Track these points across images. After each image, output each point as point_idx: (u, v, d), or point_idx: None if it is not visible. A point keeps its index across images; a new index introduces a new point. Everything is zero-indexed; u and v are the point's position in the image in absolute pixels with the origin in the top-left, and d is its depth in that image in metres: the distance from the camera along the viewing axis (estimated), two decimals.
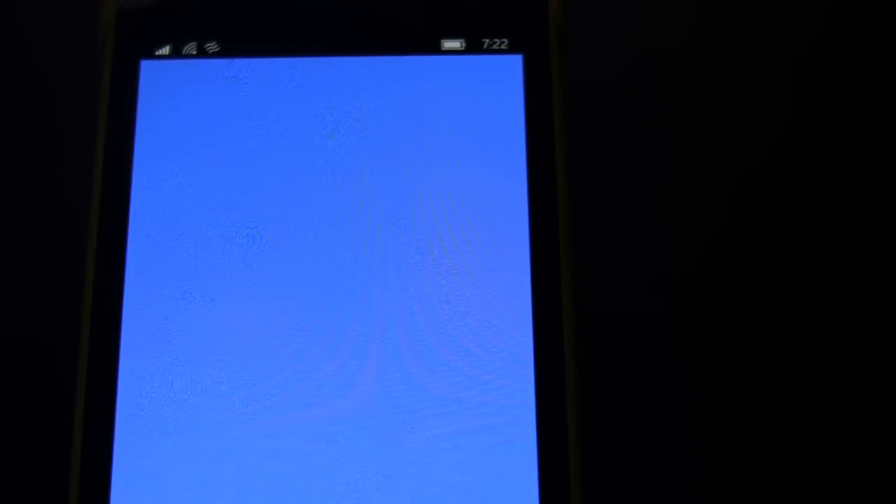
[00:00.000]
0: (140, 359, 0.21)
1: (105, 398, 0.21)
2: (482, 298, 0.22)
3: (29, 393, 0.26)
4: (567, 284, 0.22)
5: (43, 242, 0.27)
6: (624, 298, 0.26)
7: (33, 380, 0.26)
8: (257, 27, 0.23)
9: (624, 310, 0.26)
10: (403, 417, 0.21)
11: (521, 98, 0.23)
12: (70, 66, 0.28)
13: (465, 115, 0.23)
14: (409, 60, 0.23)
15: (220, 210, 0.22)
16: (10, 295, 0.26)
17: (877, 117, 0.28)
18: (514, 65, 0.23)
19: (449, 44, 0.23)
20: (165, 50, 0.23)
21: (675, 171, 0.27)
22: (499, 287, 0.22)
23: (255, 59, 0.23)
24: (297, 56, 0.23)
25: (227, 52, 0.23)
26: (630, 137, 0.27)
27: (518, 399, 0.21)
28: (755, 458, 0.25)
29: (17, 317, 0.26)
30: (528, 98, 0.23)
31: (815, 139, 0.27)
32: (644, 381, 0.26)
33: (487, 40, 0.23)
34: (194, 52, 0.23)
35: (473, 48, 0.23)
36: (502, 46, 0.23)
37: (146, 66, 0.23)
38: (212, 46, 0.23)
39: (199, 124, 0.23)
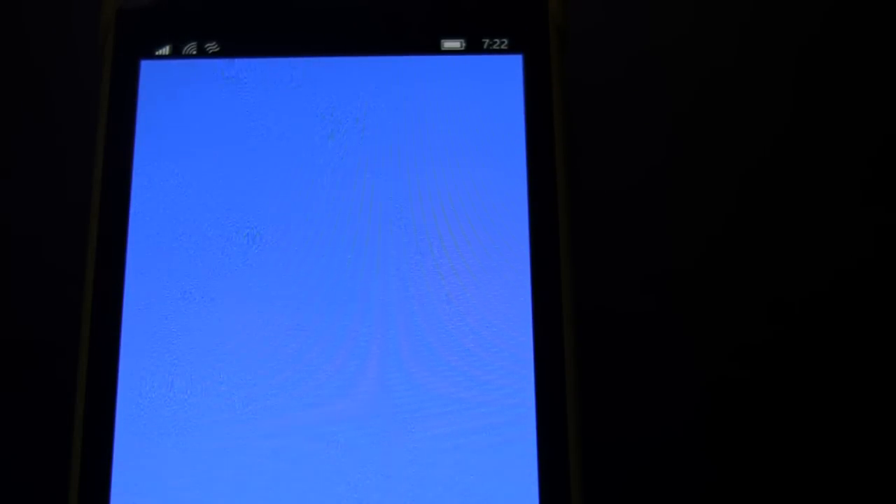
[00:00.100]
0: (140, 359, 0.21)
1: (105, 398, 0.21)
2: (482, 298, 0.22)
3: (29, 393, 0.26)
4: (567, 284, 0.22)
5: (43, 242, 0.27)
6: (624, 298, 0.26)
7: (33, 380, 0.26)
8: (257, 27, 0.23)
9: (624, 310, 0.26)
10: (403, 417, 0.21)
11: (521, 98, 0.23)
12: (70, 66, 0.28)
13: (465, 115, 0.23)
14: (409, 60, 0.23)
15: (220, 210, 0.22)
16: (10, 295, 0.26)
17: (877, 117, 0.28)
18: (514, 65, 0.23)
19: (449, 44, 0.23)
20: (165, 50, 0.23)
21: (676, 170, 0.27)
22: (499, 287, 0.22)
23: (255, 59, 0.23)
24: (297, 56, 0.23)
25: (227, 52, 0.23)
26: (630, 137, 0.27)
27: (518, 399, 0.21)
28: (755, 459, 0.25)
29: (18, 317, 0.26)
30: (528, 98, 0.23)
31: (815, 139, 0.27)
32: (644, 380, 0.26)
33: (487, 40, 0.23)
34: (194, 52, 0.23)
35: (473, 48, 0.23)
36: (502, 46, 0.23)
37: (146, 66, 0.23)
38: (212, 46, 0.23)
39: (199, 124, 0.23)
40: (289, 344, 0.21)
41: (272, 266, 0.22)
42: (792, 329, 0.26)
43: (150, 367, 0.21)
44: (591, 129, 0.27)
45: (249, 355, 0.21)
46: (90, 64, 0.26)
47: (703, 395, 0.26)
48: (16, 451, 0.25)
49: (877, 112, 0.28)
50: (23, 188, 0.27)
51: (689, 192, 0.27)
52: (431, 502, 0.21)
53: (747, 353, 0.26)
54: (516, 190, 0.22)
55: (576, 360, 0.21)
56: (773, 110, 0.28)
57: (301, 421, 0.21)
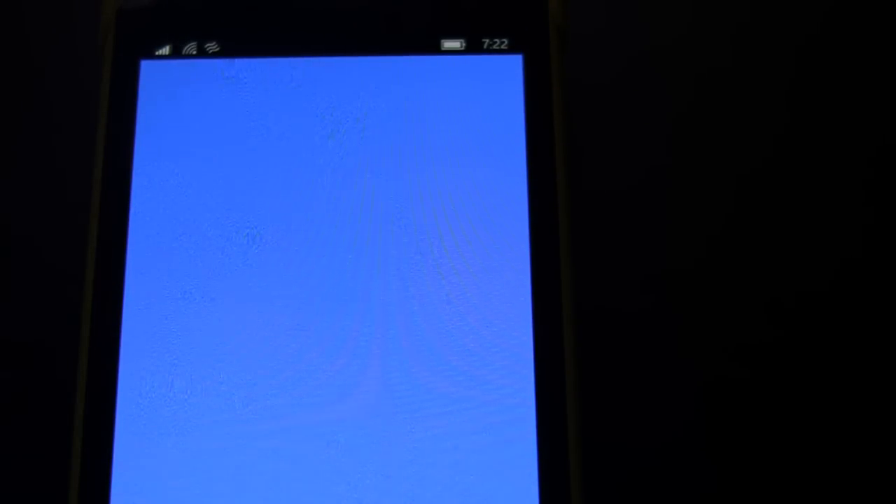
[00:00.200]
0: (140, 359, 0.21)
1: (105, 398, 0.21)
2: (483, 298, 0.22)
3: (29, 393, 0.26)
4: (567, 284, 0.22)
5: (43, 242, 0.27)
6: (624, 298, 0.26)
7: (33, 380, 0.26)
8: (257, 27, 0.23)
9: (624, 309, 0.26)
10: (403, 417, 0.21)
11: (521, 98, 0.23)
12: (70, 66, 0.28)
13: (466, 115, 0.23)
14: (409, 60, 0.23)
15: (220, 210, 0.22)
16: (10, 295, 0.26)
17: (876, 117, 0.28)
18: (514, 65, 0.23)
19: (449, 44, 0.23)
20: (165, 50, 0.23)
21: (676, 170, 0.27)
22: (499, 287, 0.22)
23: (255, 59, 0.23)
24: (297, 56, 0.23)
25: (227, 52, 0.23)
26: (630, 137, 0.27)
27: (518, 399, 0.21)
28: (755, 459, 0.25)
29: (17, 317, 0.26)
30: (528, 98, 0.23)
31: (814, 139, 0.27)
32: (644, 380, 0.26)
33: (487, 40, 0.23)
34: (194, 52, 0.23)
35: (473, 48, 0.23)
36: (502, 46, 0.23)
37: (146, 66, 0.23)
38: (212, 46, 0.23)
39: (199, 124, 0.23)
40: (289, 344, 0.21)
41: (272, 266, 0.22)
42: (791, 329, 0.26)
43: (150, 367, 0.21)
44: (591, 129, 0.27)
45: (249, 355, 0.21)
46: (90, 64, 0.26)
47: (703, 394, 0.26)
48: (16, 451, 0.25)
49: (876, 112, 0.28)
50: (23, 188, 0.27)
51: (688, 192, 0.27)
52: (431, 502, 0.21)
53: (747, 353, 0.26)
54: (516, 190, 0.22)
55: (576, 360, 0.21)
56: (772, 110, 0.28)
57: (301, 421, 0.21)
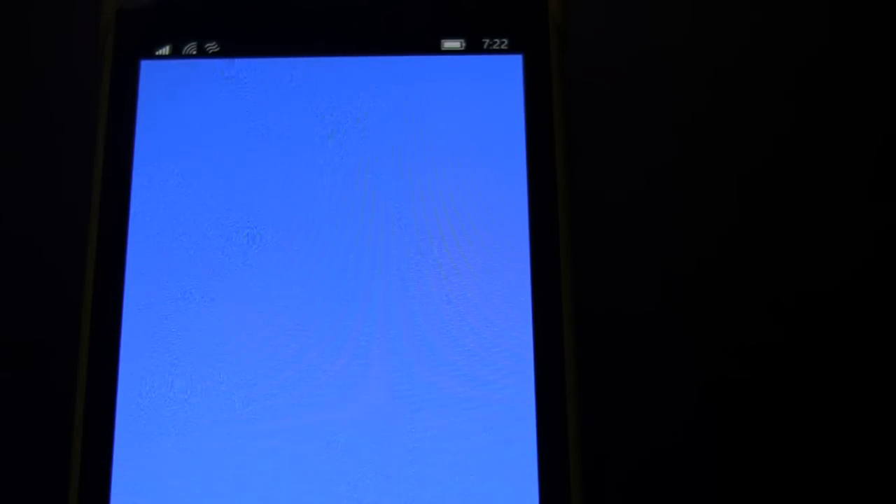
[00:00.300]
0: (140, 359, 0.21)
1: (105, 398, 0.21)
2: (483, 298, 0.22)
3: (29, 393, 0.26)
4: (567, 284, 0.22)
5: (43, 242, 0.27)
6: (624, 298, 0.26)
7: (33, 380, 0.26)
8: (257, 27, 0.23)
9: (624, 310, 0.26)
10: (403, 417, 0.21)
11: (521, 98, 0.23)
12: (70, 66, 0.28)
13: (466, 115, 0.23)
14: (410, 60, 0.23)
15: (220, 210, 0.22)
16: (10, 295, 0.26)
17: (881, 118, 0.28)
18: (514, 65, 0.23)
19: (449, 44, 0.23)
20: (165, 50, 0.23)
21: (676, 170, 0.27)
22: (500, 287, 0.22)
23: (255, 59, 0.23)
24: (297, 56, 0.23)
25: (227, 52, 0.23)
26: (630, 137, 0.27)
27: (518, 399, 0.21)
28: (755, 458, 0.25)
29: (17, 317, 0.26)
30: (528, 98, 0.23)
31: (818, 139, 0.27)
32: (644, 381, 0.26)
33: (487, 40, 0.23)
34: (194, 52, 0.23)
35: (473, 48, 0.23)
36: (502, 46, 0.23)
37: (146, 66, 0.23)
38: (212, 46, 0.23)
39: (199, 124, 0.23)
40: (289, 344, 0.21)
41: (272, 266, 0.22)
42: (793, 330, 0.26)
43: (150, 367, 0.21)
44: (592, 129, 0.27)
45: (250, 355, 0.21)
46: (90, 64, 0.26)
47: (704, 395, 0.26)
48: (16, 451, 0.25)
49: (881, 113, 0.28)
50: (23, 188, 0.27)
51: (689, 192, 0.27)
52: (431, 502, 0.21)
53: (747, 353, 0.26)
54: (516, 190, 0.22)
55: (576, 360, 0.21)
56: (774, 110, 0.28)
57: (301, 421, 0.21)
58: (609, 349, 0.26)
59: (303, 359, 0.21)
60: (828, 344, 0.26)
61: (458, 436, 0.21)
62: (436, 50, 0.23)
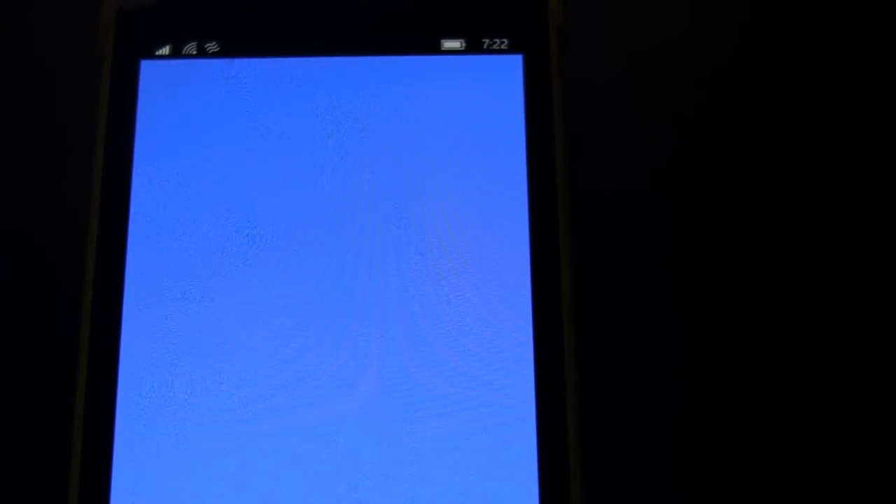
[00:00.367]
0: (140, 359, 0.21)
1: (105, 398, 0.21)
2: (482, 298, 0.22)
3: (29, 393, 0.26)
4: (567, 284, 0.22)
5: (43, 242, 0.27)
6: (624, 298, 0.26)
7: (33, 380, 0.26)
8: (257, 27, 0.23)
9: (624, 310, 0.26)
10: (403, 417, 0.21)
11: (521, 98, 0.23)
12: (70, 66, 0.28)
13: (465, 115, 0.23)
14: (409, 60, 0.23)
15: (220, 210, 0.22)
16: (10, 295, 0.26)
17: (878, 117, 0.28)
18: (514, 65, 0.23)
19: (449, 44, 0.23)
20: (165, 50, 0.23)
21: (676, 170, 0.27)
22: (499, 287, 0.22)
23: (255, 59, 0.23)
24: (297, 56, 0.23)
25: (227, 52, 0.23)
26: (630, 137, 0.27)
27: (518, 399, 0.21)
28: (756, 459, 0.25)
29: (17, 317, 0.26)
30: (528, 98, 0.23)
31: (816, 139, 0.27)
32: (644, 381, 0.26)
33: (487, 40, 0.23)
34: (194, 52, 0.23)
35: (473, 48, 0.23)
36: (502, 46, 0.23)
37: (146, 66, 0.23)
38: (212, 46, 0.23)
39: (199, 124, 0.23)
40: (289, 344, 0.21)
41: (272, 266, 0.22)
42: (793, 330, 0.26)
43: (150, 367, 0.21)
44: (592, 129, 0.27)
45: (249, 355, 0.21)
46: (90, 64, 0.26)
47: (704, 395, 0.26)
48: (16, 451, 0.25)
49: (878, 112, 0.28)
50: (23, 188, 0.27)
51: (688, 192, 0.27)
52: (431, 502, 0.21)
53: (748, 353, 0.26)
54: (516, 190, 0.22)
55: (576, 359, 0.21)
56: (773, 110, 0.28)
57: (301, 421, 0.21)
58: (609, 349, 0.26)
59: (302, 359, 0.21)
60: (829, 344, 0.26)
61: (458, 436, 0.21)
62: (436, 50, 0.23)
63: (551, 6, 0.23)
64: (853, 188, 0.27)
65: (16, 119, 0.28)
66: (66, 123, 0.27)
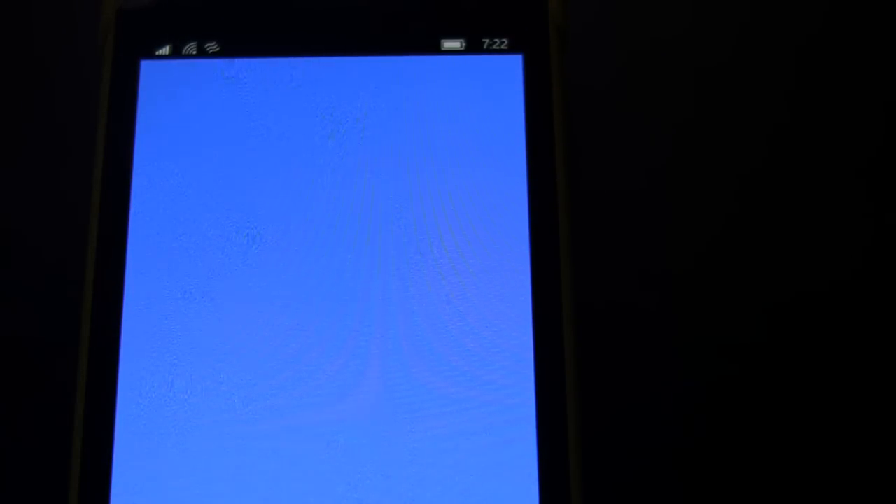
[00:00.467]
0: (140, 359, 0.21)
1: (105, 398, 0.21)
2: (483, 298, 0.22)
3: (29, 393, 0.26)
4: (567, 284, 0.22)
5: (43, 242, 0.27)
6: (624, 298, 0.26)
7: (33, 380, 0.26)
8: (257, 27, 0.23)
9: (624, 310, 0.26)
10: (403, 417, 0.21)
11: (521, 98, 0.23)
12: (70, 66, 0.28)
13: (465, 115, 0.23)
14: (409, 60, 0.23)
15: (220, 210, 0.22)
16: (10, 295, 0.26)
17: (877, 117, 0.28)
18: (514, 65, 0.23)
19: (449, 44, 0.23)
20: (165, 50, 0.23)
21: (676, 170, 0.27)
22: (499, 287, 0.22)
23: (255, 59, 0.23)
24: (297, 56, 0.23)
25: (227, 52, 0.23)
26: (630, 137, 0.27)
27: (518, 399, 0.21)
28: (755, 458, 0.25)
29: (18, 317, 0.26)
30: (528, 98, 0.23)
31: (815, 139, 0.27)
32: (644, 380, 0.26)
33: (487, 40, 0.23)
34: (194, 52, 0.23)
35: (473, 48, 0.23)
36: (502, 46, 0.23)
37: (146, 66, 0.23)
38: (212, 46, 0.23)
39: (199, 124, 0.23)
40: (289, 344, 0.21)
41: (272, 266, 0.22)
42: (792, 330, 0.26)
43: (150, 367, 0.21)
44: (591, 129, 0.27)
45: (249, 355, 0.21)
46: (90, 64, 0.26)
47: (704, 394, 0.26)
48: (16, 451, 0.25)
49: (877, 112, 0.28)
50: (23, 188, 0.27)
51: (688, 192, 0.27)
52: (431, 502, 0.21)
53: (747, 353, 0.26)
54: (516, 190, 0.22)
55: (576, 359, 0.21)
56: (772, 110, 0.28)
57: (301, 421, 0.21)
58: (609, 349, 0.26)
59: (302, 359, 0.21)
60: (827, 344, 0.26)
61: (457, 436, 0.21)
62: (436, 50, 0.23)
63: (551, 6, 0.23)
64: (852, 188, 0.27)
65: (16, 119, 0.28)
66: (66, 123, 0.27)
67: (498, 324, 0.21)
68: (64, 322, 0.24)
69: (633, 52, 0.28)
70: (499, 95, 0.23)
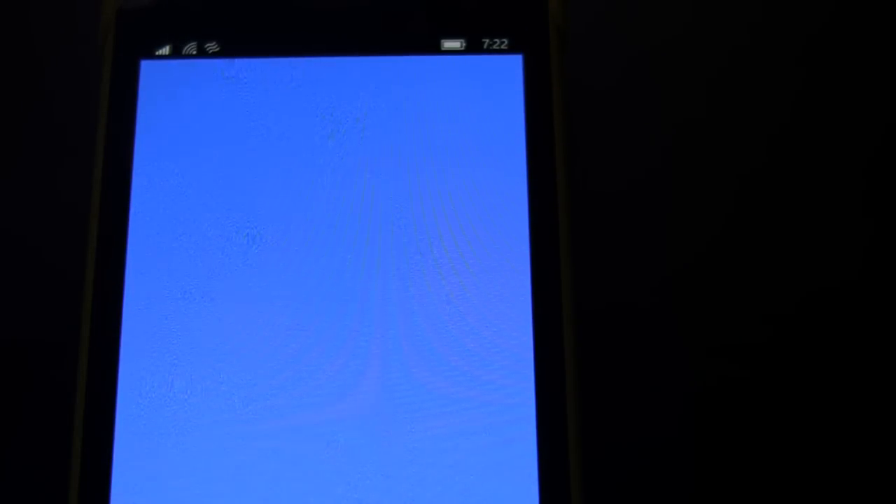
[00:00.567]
0: (140, 359, 0.21)
1: (105, 398, 0.21)
2: (483, 298, 0.22)
3: (29, 393, 0.26)
4: (567, 284, 0.22)
5: (43, 242, 0.27)
6: (624, 298, 0.26)
7: (33, 380, 0.26)
8: (257, 27, 0.23)
9: (624, 309, 0.26)
10: (403, 417, 0.21)
11: (521, 98, 0.23)
12: (70, 66, 0.28)
13: (465, 115, 0.23)
14: (409, 60, 0.23)
15: (220, 210, 0.22)
16: (10, 295, 0.26)
17: (877, 119, 0.28)
18: (514, 65, 0.23)
19: (449, 44, 0.23)
20: (165, 50, 0.23)
21: (676, 170, 0.27)
22: (499, 287, 0.22)
23: (255, 59, 0.23)
24: (297, 56, 0.23)
25: (227, 52, 0.23)
26: (630, 137, 0.27)
27: (518, 399, 0.21)
28: (755, 458, 0.25)
29: (18, 317, 0.26)
30: (528, 98, 0.23)
31: (815, 140, 0.27)
32: (645, 380, 0.26)
33: (487, 40, 0.23)
34: (194, 52, 0.23)
35: (473, 48, 0.23)
36: (502, 46, 0.23)
37: (146, 66, 0.23)
38: (212, 46, 0.23)
39: (199, 124, 0.23)
40: (289, 344, 0.21)
41: (272, 266, 0.22)
42: (791, 330, 0.26)
43: (150, 367, 0.21)
44: (591, 129, 0.27)
45: (249, 355, 0.21)
46: (90, 64, 0.26)
47: (704, 395, 0.26)
48: (16, 451, 0.25)
49: (877, 114, 0.28)
50: (23, 188, 0.27)
51: (688, 192, 0.27)
52: (431, 502, 0.21)
53: (747, 353, 0.26)
54: (516, 190, 0.22)
55: (576, 359, 0.21)
56: (772, 111, 0.28)
57: (301, 421, 0.21)
58: (609, 349, 0.26)
59: (302, 359, 0.21)
60: (827, 344, 0.26)
61: (457, 436, 0.21)
62: (436, 50, 0.23)
63: (551, 6, 0.23)
64: (853, 188, 0.27)
65: (16, 119, 0.28)
66: (66, 123, 0.27)
67: (498, 324, 0.21)
68: (64, 322, 0.24)
69: (633, 52, 0.28)
70: (499, 95, 0.23)
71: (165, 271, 0.22)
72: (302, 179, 0.22)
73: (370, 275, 0.22)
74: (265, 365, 0.21)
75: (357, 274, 0.22)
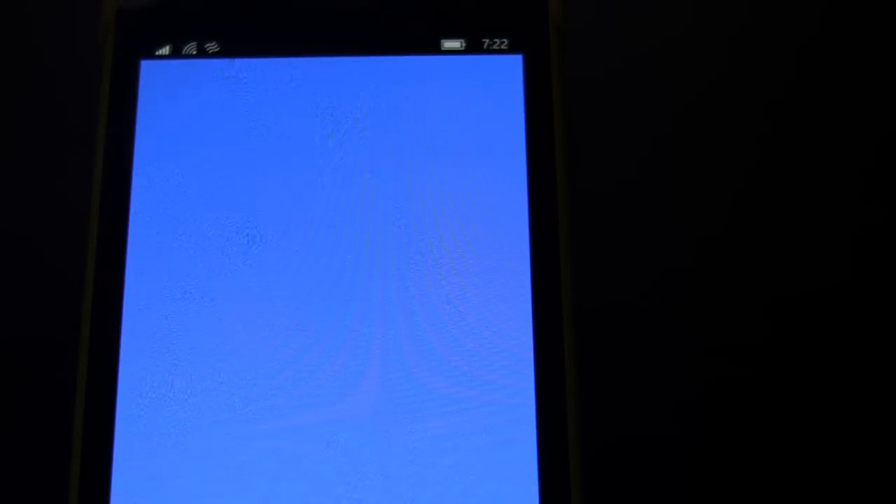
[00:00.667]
0: (140, 359, 0.21)
1: (105, 398, 0.21)
2: (483, 298, 0.22)
3: (29, 392, 0.26)
4: (567, 284, 0.22)
5: (43, 242, 0.27)
6: (624, 298, 0.26)
7: (33, 380, 0.26)
8: (257, 27, 0.23)
9: (624, 309, 0.26)
10: (403, 417, 0.21)
11: (521, 98, 0.23)
12: (70, 66, 0.28)
13: (465, 115, 0.23)
14: (409, 60, 0.23)
15: (220, 210, 0.22)
16: (10, 295, 0.26)
17: (876, 117, 0.28)
18: (514, 65, 0.23)
19: (449, 44, 0.23)
20: (165, 50, 0.23)
21: (675, 170, 0.27)
22: (499, 287, 0.22)
23: (255, 59, 0.23)
24: (297, 56, 0.23)
25: (227, 52, 0.23)
26: (630, 137, 0.27)
27: (518, 399, 0.21)
28: (756, 458, 0.25)
29: (18, 316, 0.26)
30: (528, 98, 0.23)
31: (814, 138, 0.27)
32: (644, 380, 0.26)
33: (487, 40, 0.23)
34: (194, 52, 0.23)
35: (473, 48, 0.23)
36: (502, 46, 0.23)
37: (146, 66, 0.23)
38: (212, 46, 0.23)
39: (199, 124, 0.23)
40: (289, 344, 0.21)
41: (272, 266, 0.22)
42: (791, 329, 0.26)
43: (150, 367, 0.21)
44: (591, 128, 0.27)
45: (249, 355, 0.21)
46: (90, 64, 0.26)
47: (704, 394, 0.26)
48: (16, 451, 0.25)
49: (876, 112, 0.28)
50: (23, 188, 0.27)
51: (688, 192, 0.27)
52: (431, 502, 0.21)
53: (747, 353, 0.26)
54: (516, 190, 0.22)
55: (576, 359, 0.21)
56: (771, 109, 0.28)
57: (301, 421, 0.21)
58: (609, 349, 0.26)
59: (302, 359, 0.21)
60: (827, 344, 0.26)
61: (457, 436, 0.21)
62: (436, 50, 0.23)
63: (551, 6, 0.23)
64: (852, 188, 0.27)
65: (16, 119, 0.28)
66: (66, 123, 0.27)
67: (498, 324, 0.21)
68: (64, 322, 0.24)
69: (632, 52, 0.28)
70: (499, 95, 0.23)
71: (165, 271, 0.22)
72: (302, 179, 0.22)
73: (370, 275, 0.22)
74: (265, 365, 0.21)
75: (357, 274, 0.22)
